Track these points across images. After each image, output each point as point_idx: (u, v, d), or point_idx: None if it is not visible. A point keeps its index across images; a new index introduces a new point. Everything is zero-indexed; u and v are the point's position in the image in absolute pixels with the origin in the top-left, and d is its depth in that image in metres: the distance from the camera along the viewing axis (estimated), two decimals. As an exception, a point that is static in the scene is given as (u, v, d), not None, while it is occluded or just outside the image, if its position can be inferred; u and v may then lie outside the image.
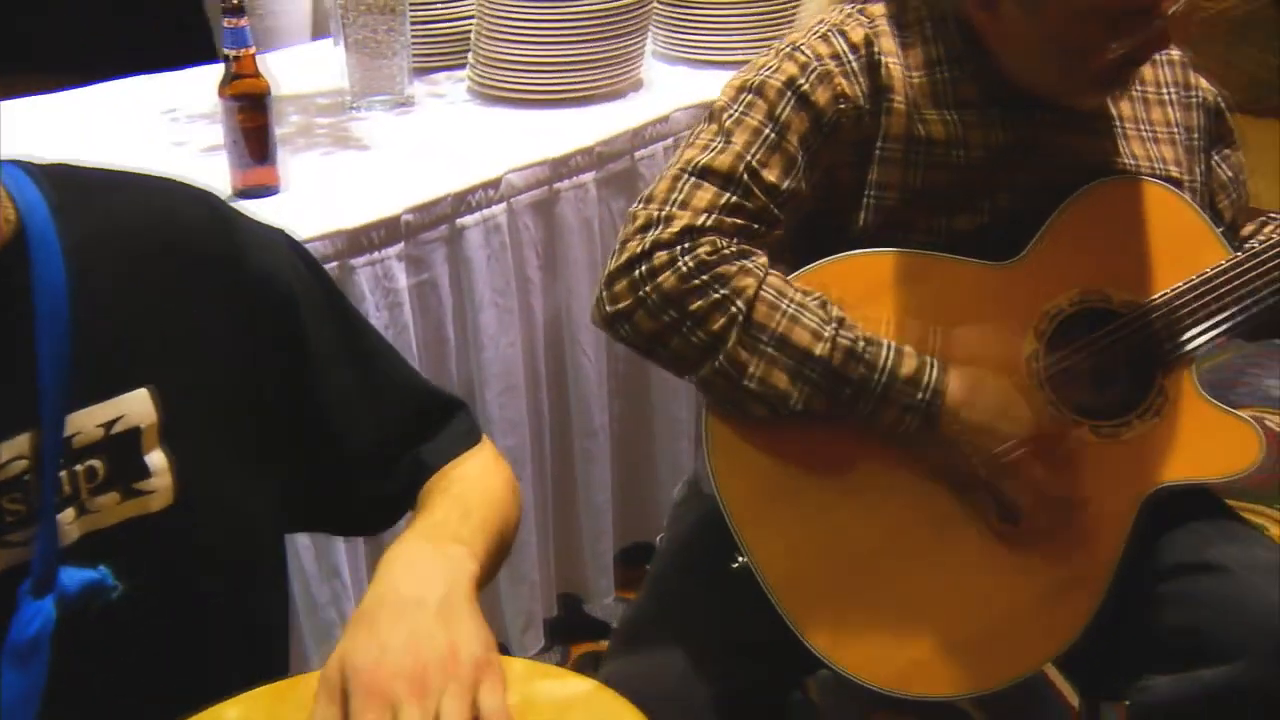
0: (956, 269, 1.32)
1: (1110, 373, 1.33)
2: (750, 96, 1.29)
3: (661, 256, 1.22)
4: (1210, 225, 1.36)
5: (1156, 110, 1.42)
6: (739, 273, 1.23)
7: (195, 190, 1.04)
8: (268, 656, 1.06)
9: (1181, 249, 1.34)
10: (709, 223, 1.24)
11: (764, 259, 1.25)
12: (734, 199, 1.25)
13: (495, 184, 1.89)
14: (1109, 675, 1.41)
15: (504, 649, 1.67)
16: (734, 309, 1.22)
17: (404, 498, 1.09)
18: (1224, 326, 1.32)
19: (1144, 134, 1.39)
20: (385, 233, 1.75)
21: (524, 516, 1.30)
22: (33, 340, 0.88)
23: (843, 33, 1.31)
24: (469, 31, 2.27)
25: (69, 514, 0.90)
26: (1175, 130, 1.42)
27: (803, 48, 1.30)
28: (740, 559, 1.29)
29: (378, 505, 1.11)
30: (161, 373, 0.95)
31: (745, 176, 1.26)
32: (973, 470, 1.28)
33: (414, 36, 2.18)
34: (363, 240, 1.72)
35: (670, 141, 2.16)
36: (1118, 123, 1.38)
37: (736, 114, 1.29)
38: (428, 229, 1.81)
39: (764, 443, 1.28)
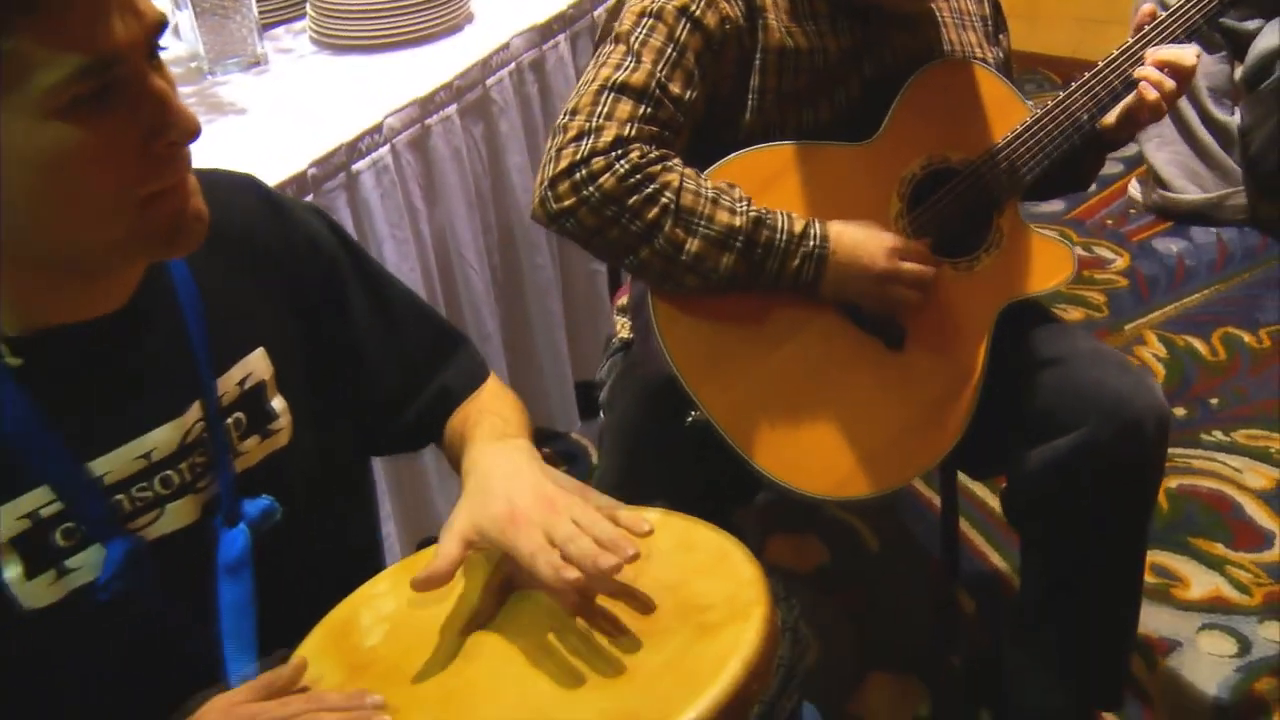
0: (826, 152, 1.61)
1: (959, 219, 1.66)
2: (651, 21, 1.53)
3: (599, 162, 1.47)
4: (1015, 91, 1.69)
5: (963, 2, 1.73)
6: (664, 170, 1.49)
7: (241, 177, 1.24)
8: (372, 556, 1.29)
9: (997, 113, 1.66)
10: (633, 132, 1.49)
11: (678, 160, 1.52)
12: (649, 110, 1.50)
13: (378, 129, 2.08)
14: (985, 460, 1.76)
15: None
16: (664, 199, 1.48)
17: (431, 419, 1.32)
18: (1036, 168, 1.65)
19: (958, 22, 1.71)
20: (296, 189, 1.92)
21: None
22: (185, 327, 1.08)
23: None
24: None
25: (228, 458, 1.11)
26: (974, 20, 1.74)
27: None
28: (694, 414, 1.57)
29: (409, 427, 1.33)
30: (266, 334, 1.16)
31: (657, 90, 1.51)
32: (863, 298, 1.58)
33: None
34: (279, 197, 1.89)
35: (513, 66, 2.38)
36: (939, 14, 1.69)
37: (642, 36, 1.53)
38: (329, 178, 1.99)
39: (702, 314, 1.55)
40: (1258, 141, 3.22)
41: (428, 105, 2.18)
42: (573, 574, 1.01)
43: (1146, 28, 1.65)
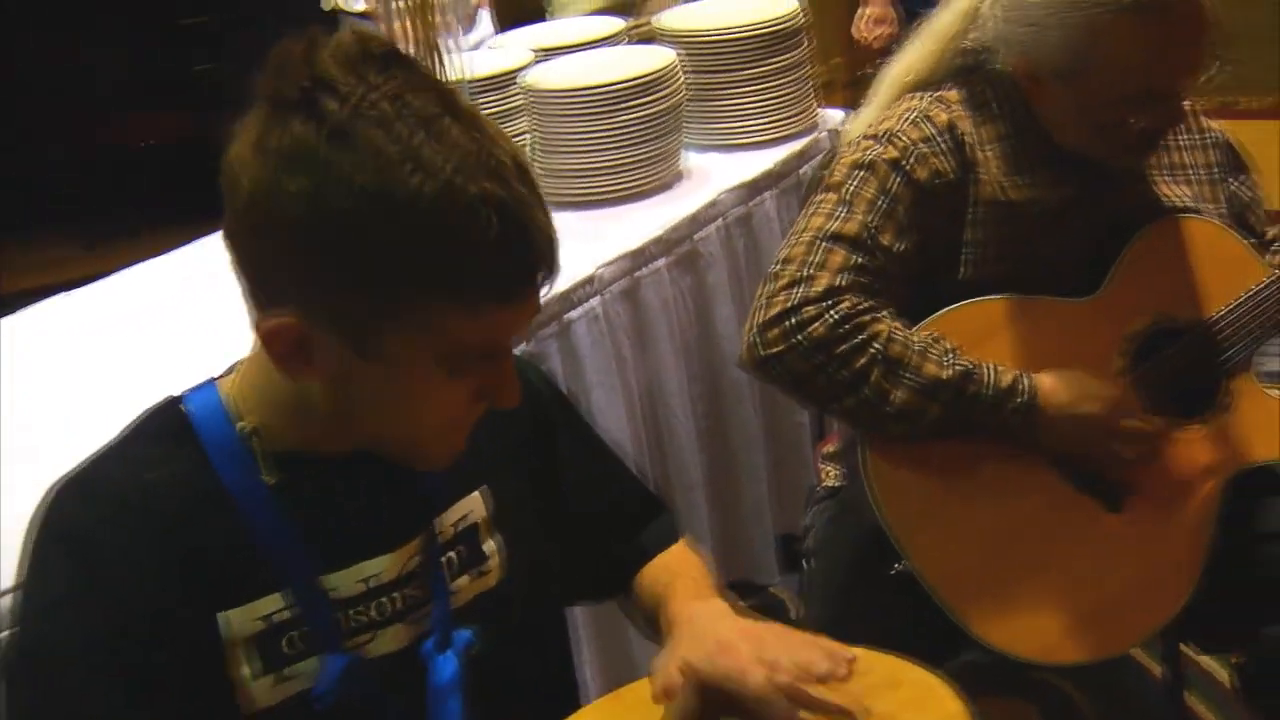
0: (1045, 306, 1.59)
1: (1185, 379, 1.61)
2: (863, 173, 1.55)
3: (810, 310, 1.48)
4: (1248, 248, 1.65)
5: (1176, 155, 1.71)
6: (873, 321, 1.49)
7: None
8: (570, 693, 1.30)
9: (1227, 272, 1.62)
10: (844, 282, 1.50)
11: (889, 311, 1.52)
12: (860, 260, 1.52)
13: (591, 280, 2.15)
14: (1218, 633, 1.67)
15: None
16: (873, 349, 1.48)
17: (621, 572, 1.34)
18: (1271, 333, 1.60)
19: (1165, 177, 1.68)
20: (515, 337, 1.99)
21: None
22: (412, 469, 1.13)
23: (929, 118, 1.58)
24: (522, 149, 2.52)
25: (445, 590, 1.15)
26: (1191, 170, 1.71)
27: (899, 134, 1.57)
28: (898, 565, 1.54)
29: (598, 577, 1.36)
30: (490, 474, 1.20)
31: (868, 240, 1.52)
32: (1079, 453, 1.54)
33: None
34: (496, 345, 1.96)
35: (720, 222, 2.43)
36: (1148, 170, 1.67)
37: (853, 188, 1.55)
38: (543, 326, 2.05)
39: (914, 466, 1.54)
40: None
41: (639, 257, 2.24)
42: (784, 677, 1.07)
43: None
